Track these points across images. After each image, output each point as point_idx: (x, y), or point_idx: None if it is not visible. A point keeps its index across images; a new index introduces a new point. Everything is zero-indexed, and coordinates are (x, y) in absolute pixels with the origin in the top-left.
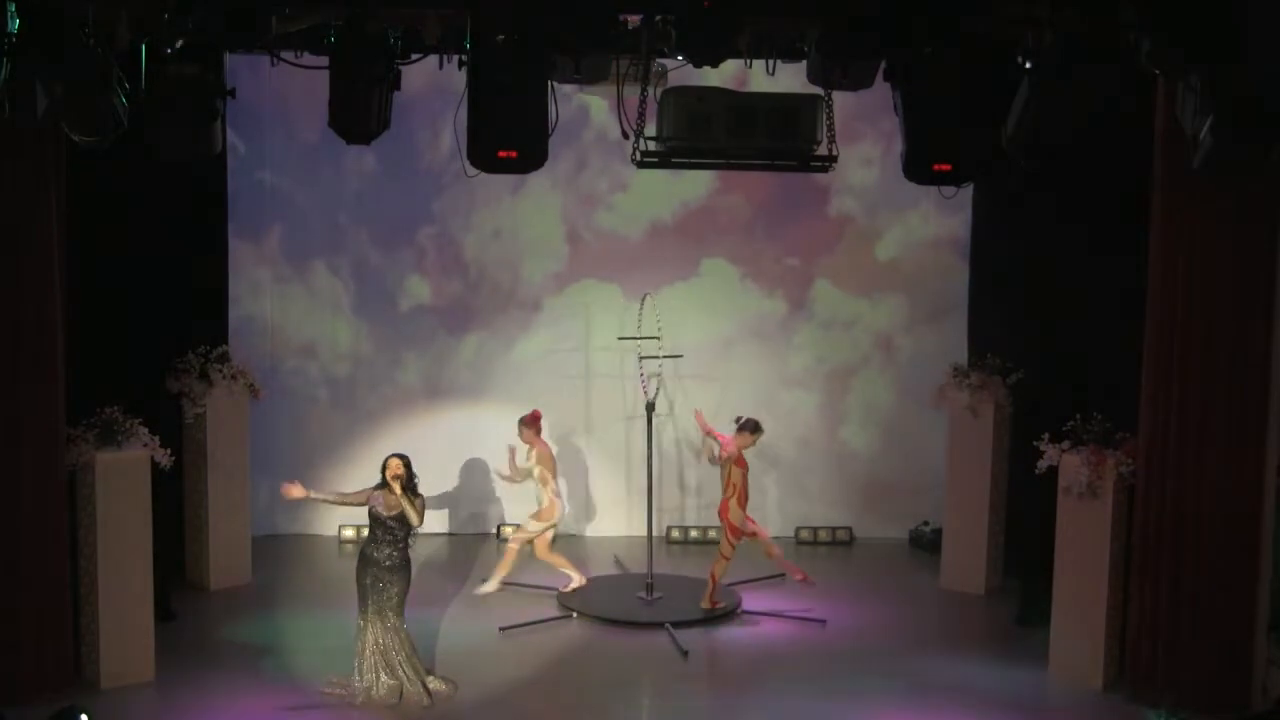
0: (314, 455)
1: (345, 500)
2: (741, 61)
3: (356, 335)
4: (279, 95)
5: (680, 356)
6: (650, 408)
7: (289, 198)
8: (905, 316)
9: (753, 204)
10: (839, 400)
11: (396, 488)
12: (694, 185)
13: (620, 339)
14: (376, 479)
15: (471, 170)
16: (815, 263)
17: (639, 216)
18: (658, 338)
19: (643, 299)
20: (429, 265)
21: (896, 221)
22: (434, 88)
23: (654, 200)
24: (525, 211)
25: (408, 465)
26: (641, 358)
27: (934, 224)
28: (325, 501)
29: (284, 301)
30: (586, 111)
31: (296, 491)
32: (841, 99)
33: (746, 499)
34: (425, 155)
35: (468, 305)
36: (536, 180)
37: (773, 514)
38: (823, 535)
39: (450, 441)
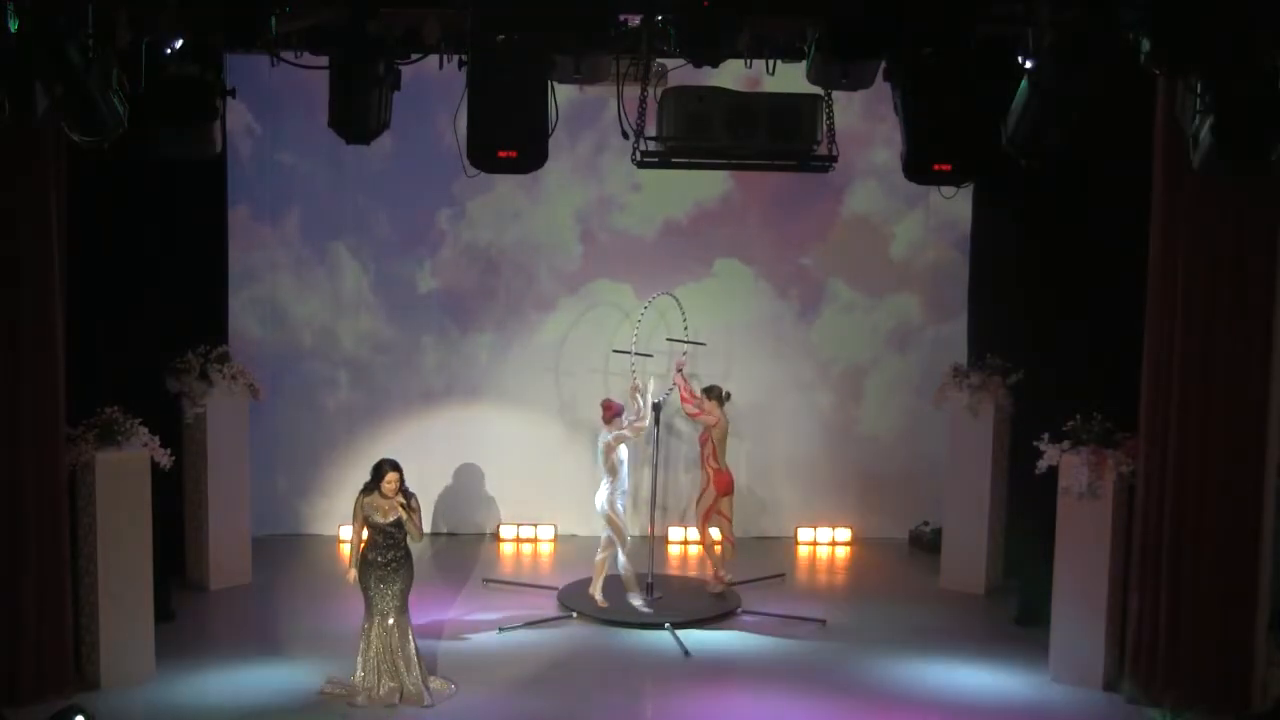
0: (323, 445)
1: (358, 533)
2: (754, 62)
3: (370, 323)
4: (295, 76)
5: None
6: (656, 408)
7: (307, 179)
8: (919, 315)
9: (765, 203)
10: (849, 400)
11: (400, 509)
12: (707, 184)
13: (669, 340)
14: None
15: (471, 170)
16: (828, 262)
17: (652, 216)
18: (704, 344)
19: (670, 298)
20: (443, 261)
21: (910, 220)
22: (451, 70)
23: (667, 199)
24: (540, 212)
25: (403, 477)
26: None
27: (948, 222)
28: (357, 550)
29: (299, 284)
30: (605, 103)
31: (352, 572)
32: (853, 96)
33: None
34: (445, 137)
35: (480, 305)
36: (552, 173)
37: (774, 513)
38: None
39: (453, 440)
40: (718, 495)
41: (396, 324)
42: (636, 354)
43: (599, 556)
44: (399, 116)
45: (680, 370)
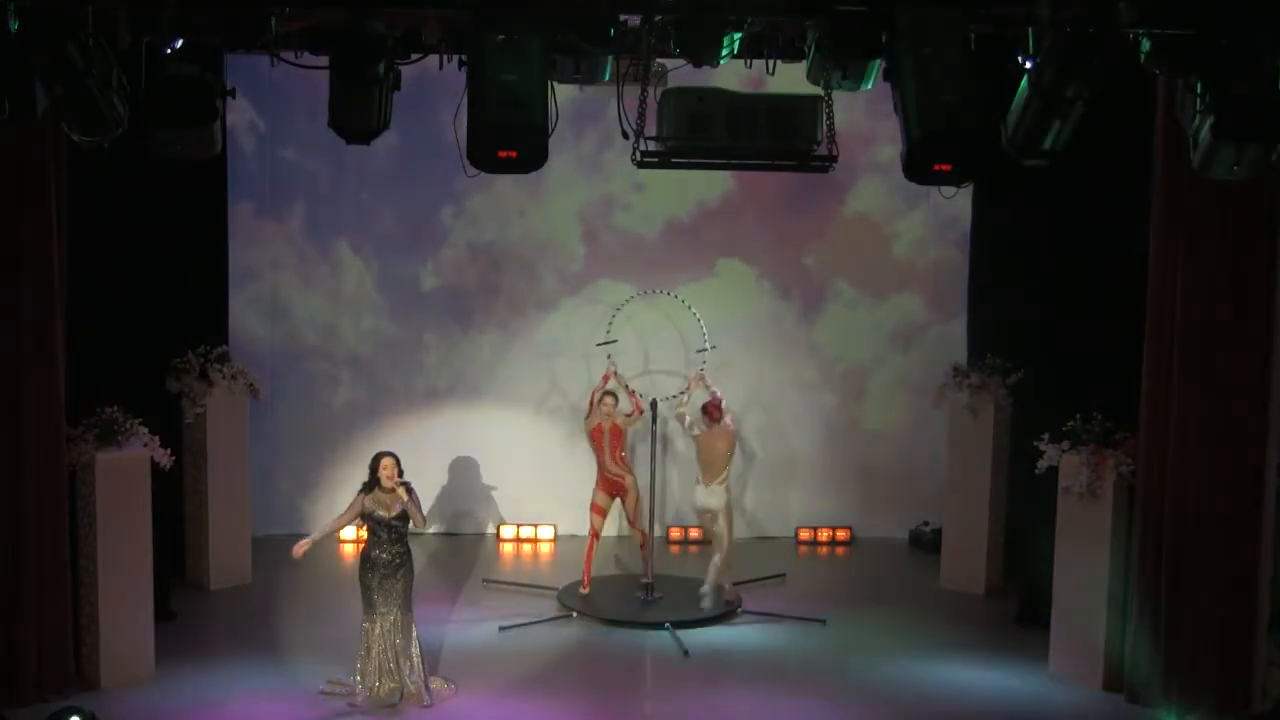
0: (324, 443)
1: (340, 525)
2: (759, 63)
3: (372, 321)
4: (299, 72)
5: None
6: (653, 406)
7: (310, 176)
8: (921, 314)
9: (767, 203)
10: (851, 400)
11: (402, 493)
12: (709, 184)
13: (598, 345)
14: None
15: (471, 170)
16: (830, 261)
17: (654, 215)
18: (615, 340)
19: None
20: (446, 259)
21: (913, 219)
22: (453, 68)
23: (669, 199)
24: (542, 211)
25: (399, 464)
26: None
27: (950, 221)
28: (325, 537)
29: (302, 282)
30: (608, 101)
31: (303, 547)
32: (856, 94)
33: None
34: (448, 134)
35: (482, 303)
36: (555, 172)
37: (774, 513)
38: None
39: (454, 439)
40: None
41: (399, 322)
42: (609, 343)
43: (719, 559)
44: (402, 114)
45: (614, 373)
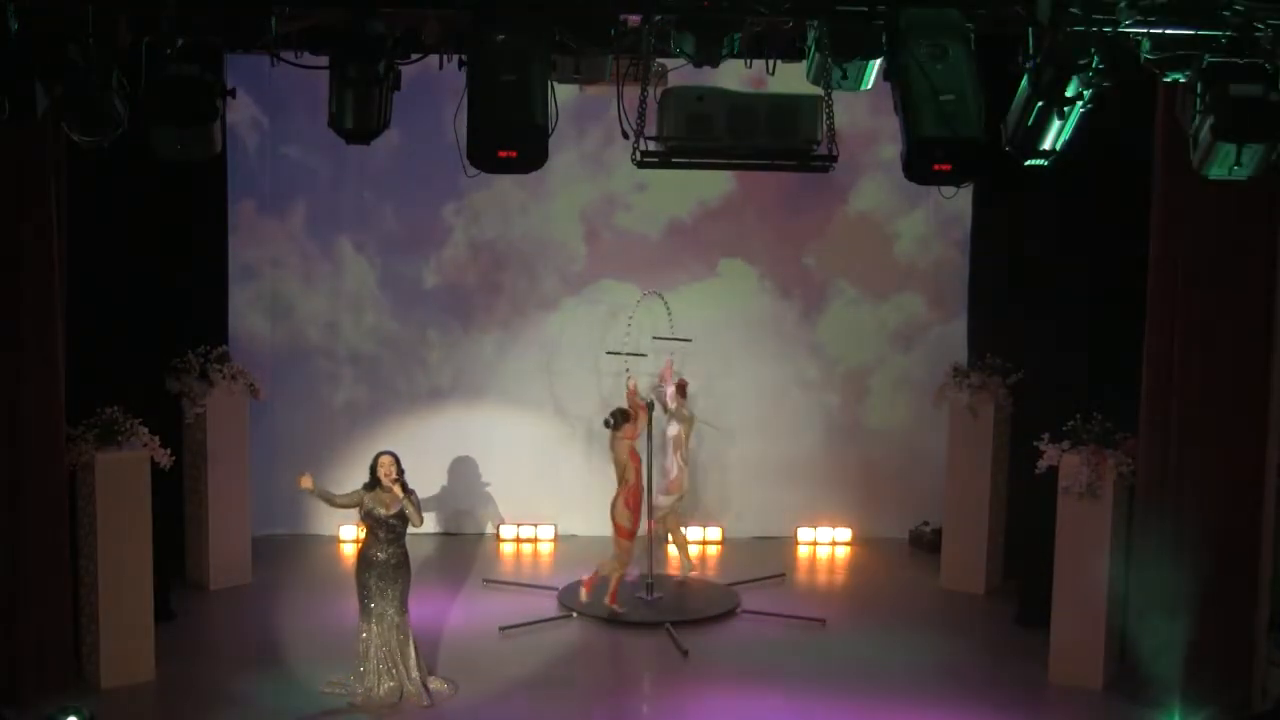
0: (325, 443)
1: (334, 501)
2: (760, 62)
3: (374, 320)
4: (301, 70)
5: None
6: (651, 407)
7: (313, 174)
8: (923, 314)
9: (769, 203)
10: (852, 400)
11: (398, 490)
12: (711, 184)
13: (655, 338)
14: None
15: (471, 170)
16: (832, 261)
17: (656, 215)
18: (690, 339)
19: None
20: (448, 258)
21: (914, 219)
22: (454, 67)
23: (671, 199)
24: (545, 210)
25: (398, 462)
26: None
27: (952, 221)
28: (319, 497)
29: (305, 280)
30: (610, 100)
31: (307, 482)
32: (857, 97)
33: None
34: (450, 132)
35: (484, 302)
36: (557, 171)
37: (774, 513)
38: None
39: (454, 439)
40: None
41: (400, 320)
42: (629, 354)
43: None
44: (404, 111)
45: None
